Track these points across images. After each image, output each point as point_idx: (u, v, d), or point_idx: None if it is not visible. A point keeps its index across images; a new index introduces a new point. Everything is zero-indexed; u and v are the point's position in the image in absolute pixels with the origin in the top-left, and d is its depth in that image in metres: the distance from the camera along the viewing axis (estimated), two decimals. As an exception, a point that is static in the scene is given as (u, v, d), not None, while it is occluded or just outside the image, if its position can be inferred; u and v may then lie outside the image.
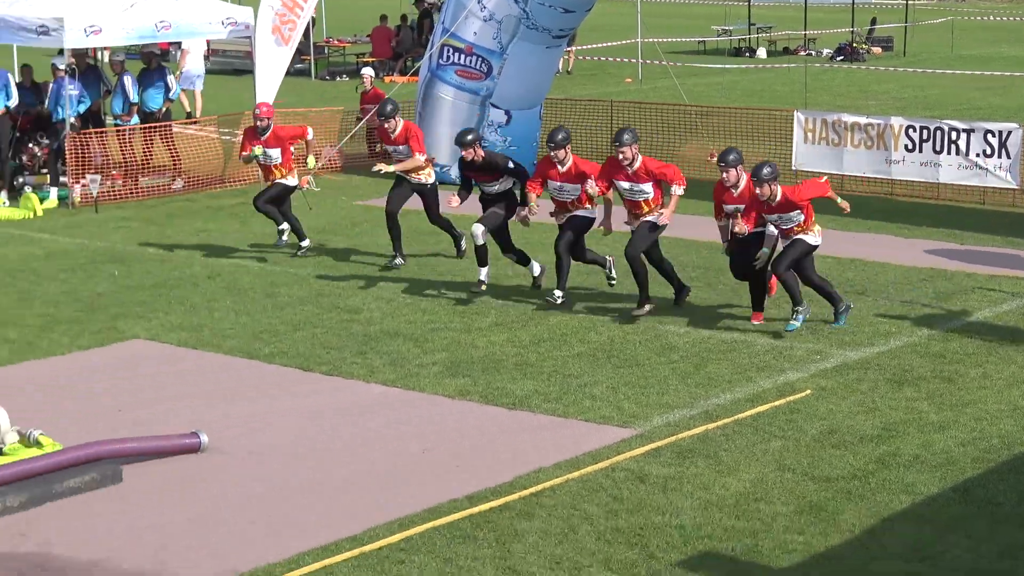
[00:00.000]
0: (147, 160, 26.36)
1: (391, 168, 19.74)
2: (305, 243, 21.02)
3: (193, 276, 19.71)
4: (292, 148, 20.91)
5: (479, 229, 18.03)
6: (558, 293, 17.44)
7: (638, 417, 13.90)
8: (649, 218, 17.29)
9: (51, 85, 26.25)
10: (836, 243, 20.82)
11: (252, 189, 25.42)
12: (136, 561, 10.86)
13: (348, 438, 13.46)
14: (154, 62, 27.19)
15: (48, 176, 25.64)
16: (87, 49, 26.95)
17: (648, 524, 11.38)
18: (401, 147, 19.92)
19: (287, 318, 17.52)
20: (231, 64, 45.93)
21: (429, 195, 20.04)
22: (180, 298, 18.54)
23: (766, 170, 16.31)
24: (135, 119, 26.20)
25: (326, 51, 47.89)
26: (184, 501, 12.02)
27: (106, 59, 30.92)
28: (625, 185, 17.21)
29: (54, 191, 25.08)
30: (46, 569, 10.76)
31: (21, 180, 25.50)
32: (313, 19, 39.99)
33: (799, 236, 16.56)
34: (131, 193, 25.38)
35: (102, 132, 25.65)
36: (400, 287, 18.89)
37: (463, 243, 20.31)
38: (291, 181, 20.79)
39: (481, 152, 18.13)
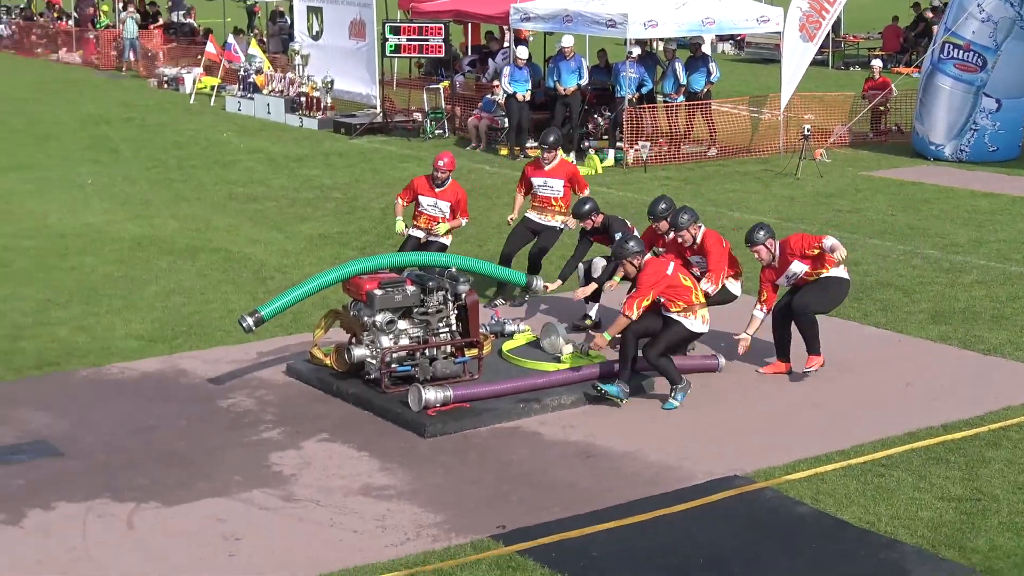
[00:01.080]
0: (689, 131, 26.60)
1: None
2: None
3: (720, 228, 19.72)
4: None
5: (600, 263, 14.53)
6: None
7: (1100, 369, 13.21)
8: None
9: (614, 66, 26.88)
10: None
11: (774, 159, 25.33)
12: (660, 456, 11.07)
13: (843, 369, 13.30)
14: (699, 51, 27.34)
15: (607, 141, 26.23)
16: (647, 39, 27.38)
17: (1103, 462, 10.84)
18: (552, 181, 15.78)
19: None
20: (761, 54, 45.84)
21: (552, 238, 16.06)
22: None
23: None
24: (681, 98, 26.52)
25: (842, 45, 47.05)
26: (702, 412, 12.17)
27: (660, 48, 31.33)
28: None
29: (611, 153, 25.63)
30: (590, 455, 11.11)
31: (586, 144, 26.19)
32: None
33: (678, 318, 12.44)
34: (674, 158, 25.62)
35: (653, 107, 26.02)
36: (896, 245, 18.44)
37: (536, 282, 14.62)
38: (448, 239, 15.52)
39: (599, 218, 14.66)
